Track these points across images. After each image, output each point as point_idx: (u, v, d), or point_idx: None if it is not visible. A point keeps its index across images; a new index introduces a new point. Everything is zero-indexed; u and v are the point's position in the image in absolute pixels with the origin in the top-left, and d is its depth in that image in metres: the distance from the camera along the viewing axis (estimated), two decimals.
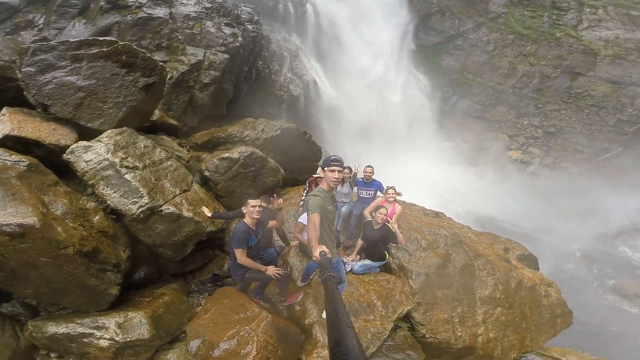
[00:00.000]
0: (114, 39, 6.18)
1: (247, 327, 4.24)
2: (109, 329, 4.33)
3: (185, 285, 6.05)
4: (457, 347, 5.73)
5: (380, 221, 5.53)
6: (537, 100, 23.93)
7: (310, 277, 5.48)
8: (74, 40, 5.90)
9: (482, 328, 6.01)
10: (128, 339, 4.32)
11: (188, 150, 8.49)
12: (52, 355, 4.53)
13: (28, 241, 3.89)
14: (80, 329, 4.31)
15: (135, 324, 4.46)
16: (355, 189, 6.86)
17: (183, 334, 4.88)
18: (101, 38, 6.08)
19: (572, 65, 23.26)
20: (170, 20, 11.07)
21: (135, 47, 6.13)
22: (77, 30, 10.30)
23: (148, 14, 10.65)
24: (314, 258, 2.82)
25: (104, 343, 4.27)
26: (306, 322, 5.06)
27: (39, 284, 4.17)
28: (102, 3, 10.67)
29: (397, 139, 19.80)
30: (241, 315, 4.46)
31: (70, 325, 4.33)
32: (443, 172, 19.83)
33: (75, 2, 10.73)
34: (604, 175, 21.97)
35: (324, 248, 2.80)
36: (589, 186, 21.32)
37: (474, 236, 7.58)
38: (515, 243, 8.39)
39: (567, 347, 7.10)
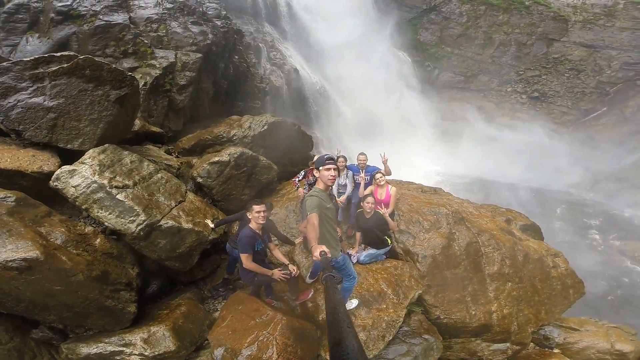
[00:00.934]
0: (72, 53, 5.89)
1: (264, 332, 4.30)
2: (136, 345, 4.48)
3: (199, 293, 6.06)
4: (473, 326, 5.79)
5: (369, 210, 5.47)
6: (517, 67, 24.38)
7: (319, 273, 5.44)
8: (28, 59, 5.57)
9: (496, 305, 6.06)
10: (156, 353, 4.46)
11: (177, 157, 8.25)
12: None
13: (36, 273, 4.01)
14: (110, 348, 4.46)
15: (159, 337, 4.59)
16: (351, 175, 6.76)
17: (206, 341, 4.98)
18: (58, 54, 5.78)
19: (545, 32, 23.73)
20: (132, 25, 10.63)
21: (97, 59, 5.81)
22: (33, 45, 9.80)
23: (106, 21, 10.19)
24: (314, 258, 2.88)
25: (135, 359, 4.41)
26: (320, 318, 5.06)
27: (60, 310, 4.31)
28: (52, 15, 10.12)
29: (386, 117, 19.67)
30: (257, 320, 4.50)
31: (100, 345, 4.47)
32: (433, 145, 19.88)
33: (21, 16, 10.14)
34: (592, 134, 22.49)
35: (324, 248, 2.85)
36: (580, 146, 21.80)
37: (475, 210, 7.59)
38: (516, 213, 8.46)
39: (582, 317, 7.25)
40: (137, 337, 4.50)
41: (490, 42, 24.37)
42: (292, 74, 14.89)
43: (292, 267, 4.77)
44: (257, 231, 4.54)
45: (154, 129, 9.03)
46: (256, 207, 4.48)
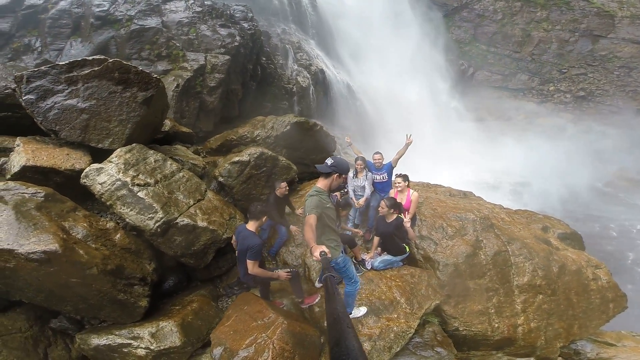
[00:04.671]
0: (102, 57, 6.20)
1: (263, 335, 4.25)
2: (143, 339, 4.59)
3: (214, 290, 6.14)
4: (495, 339, 5.43)
5: (383, 213, 5.27)
6: (560, 65, 22.90)
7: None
8: (64, 63, 5.93)
9: (522, 318, 5.65)
10: (162, 347, 4.53)
11: (204, 157, 8.48)
12: None
13: (55, 265, 4.21)
14: (119, 340, 4.59)
15: (166, 332, 4.67)
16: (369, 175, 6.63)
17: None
18: (90, 57, 6.08)
19: (589, 28, 22.22)
20: (164, 29, 11.13)
21: (125, 62, 6.11)
22: (76, 49, 10.52)
23: (140, 25, 10.74)
24: (314, 258, 2.88)
25: (141, 352, 4.51)
26: (325, 324, 4.91)
27: (76, 301, 4.51)
28: (92, 20, 10.81)
29: (416, 116, 19.02)
30: (259, 322, 4.46)
31: (110, 337, 4.62)
32: (467, 146, 19.00)
33: (64, 22, 10.90)
34: None
35: (324, 248, 2.84)
36: (629, 148, 19.96)
37: (507, 217, 7.10)
38: (555, 220, 7.82)
39: (622, 331, 6.60)
40: (145, 331, 4.61)
41: (529, 39, 23.07)
42: (318, 74, 14.87)
43: (285, 274, 4.80)
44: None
45: (184, 129, 9.35)
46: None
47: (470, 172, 16.85)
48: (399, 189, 5.89)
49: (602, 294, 6.48)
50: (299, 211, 6.56)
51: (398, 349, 4.64)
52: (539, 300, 5.85)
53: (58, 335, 4.91)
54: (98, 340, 4.55)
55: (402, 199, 5.86)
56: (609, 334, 6.52)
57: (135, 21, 10.83)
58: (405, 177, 5.98)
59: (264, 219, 4.76)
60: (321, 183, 3.68)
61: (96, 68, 5.99)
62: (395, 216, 5.25)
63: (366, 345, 4.55)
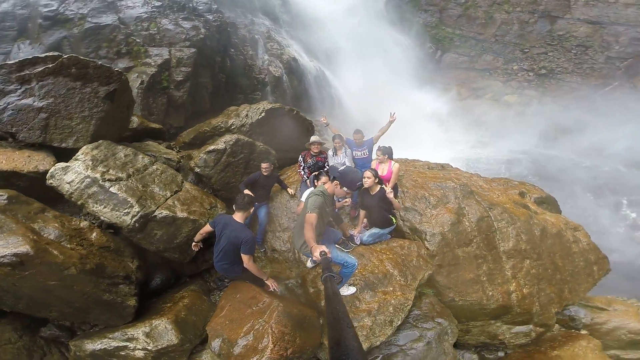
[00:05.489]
0: (57, 53, 5.88)
1: (260, 320, 4.12)
2: (139, 340, 4.44)
3: (204, 285, 5.98)
4: (492, 307, 5.46)
5: (367, 185, 5.20)
6: (522, 45, 23.83)
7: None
8: (13, 62, 5.59)
9: (514, 284, 5.71)
10: (160, 347, 4.41)
11: (178, 152, 8.17)
12: None
13: (29, 268, 3.99)
14: (114, 343, 4.44)
15: (161, 330, 4.52)
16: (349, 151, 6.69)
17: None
18: (42, 55, 5.77)
19: (547, 9, 23.09)
20: (122, 26, 10.70)
21: (82, 57, 5.80)
22: (25, 52, 9.96)
23: (95, 23, 10.30)
24: (314, 258, 3.09)
25: (139, 354, 4.38)
26: (323, 304, 4.83)
27: (60, 306, 4.32)
28: (40, 21, 10.21)
29: (390, 99, 19.23)
30: (254, 308, 4.33)
31: (104, 340, 4.46)
32: (442, 126, 19.43)
33: (8, 24, 10.29)
34: (605, 109, 21.75)
35: (324, 248, 3.03)
36: (593, 121, 21.10)
37: (485, 184, 7.25)
38: (530, 186, 8.04)
39: (609, 296, 6.81)
40: (139, 331, 4.45)
41: (492, 21, 23.81)
42: (291, 63, 14.66)
43: (273, 284, 4.76)
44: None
45: (153, 125, 8.94)
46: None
47: (445, 149, 17.25)
48: (380, 159, 5.88)
49: (585, 256, 6.65)
50: (290, 191, 6.69)
51: (399, 322, 4.57)
52: (526, 265, 5.94)
53: (52, 345, 4.72)
54: (92, 346, 4.38)
55: (383, 169, 5.87)
56: (598, 298, 6.71)
57: (89, 19, 10.29)
58: (385, 150, 5.98)
59: (251, 210, 4.69)
60: (327, 185, 3.97)
61: (50, 65, 5.69)
62: (378, 187, 5.22)
63: (367, 321, 4.46)
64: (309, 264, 5.30)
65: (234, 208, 4.60)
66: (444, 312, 5.13)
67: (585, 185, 17.93)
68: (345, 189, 4.25)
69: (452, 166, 8.49)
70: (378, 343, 4.40)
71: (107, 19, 10.48)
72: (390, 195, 5.08)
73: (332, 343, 1.27)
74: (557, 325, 6.23)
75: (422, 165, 8.17)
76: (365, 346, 4.27)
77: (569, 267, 6.44)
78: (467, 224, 5.99)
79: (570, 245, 6.64)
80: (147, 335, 4.42)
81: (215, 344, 4.11)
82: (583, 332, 6.16)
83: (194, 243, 4.97)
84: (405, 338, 4.69)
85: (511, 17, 23.48)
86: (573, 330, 6.21)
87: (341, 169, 6.24)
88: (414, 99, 20.40)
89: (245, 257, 4.35)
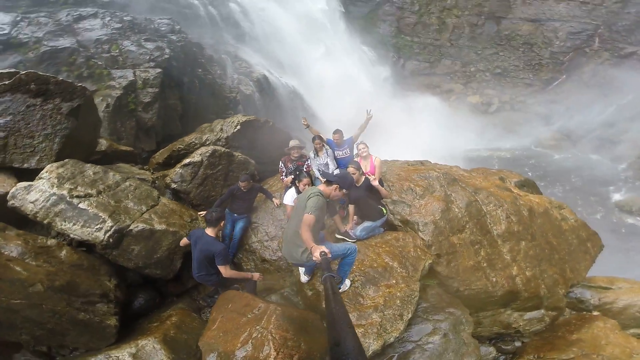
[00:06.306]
0: (14, 70, 5.68)
1: (257, 327, 3.74)
2: None
3: (193, 303, 5.58)
4: (499, 294, 5.32)
5: (357, 177, 5.12)
6: (475, 47, 25.27)
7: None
8: None
9: (515, 268, 5.60)
10: None
11: (152, 173, 7.77)
12: None
13: None
14: None
15: (149, 351, 4.09)
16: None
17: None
18: None
19: (491, 10, 24.63)
20: (81, 49, 10.44)
21: (42, 73, 5.56)
22: None
23: (52, 46, 10.02)
24: (314, 258, 3.05)
25: None
26: (324, 305, 4.55)
27: (30, 327, 3.97)
28: None
29: (362, 109, 19.63)
30: (249, 316, 3.95)
31: None
32: (414, 130, 19.98)
33: None
34: (558, 100, 23.22)
35: (324, 248, 2.99)
36: (549, 113, 22.44)
37: (466, 172, 7.34)
38: (507, 171, 8.20)
39: (600, 276, 6.74)
40: (124, 352, 4.00)
41: (445, 26, 25.15)
42: (261, 80, 14.68)
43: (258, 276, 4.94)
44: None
45: (124, 148, 8.52)
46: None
47: (419, 152, 17.67)
48: (363, 155, 5.82)
49: (576, 233, 6.70)
50: (276, 201, 6.46)
51: (410, 315, 4.31)
52: (523, 247, 5.88)
53: None
54: None
55: (365, 165, 5.80)
56: (600, 278, 6.65)
57: (45, 43, 9.94)
58: (367, 145, 5.96)
59: (221, 224, 4.75)
60: (323, 188, 3.91)
61: (6, 82, 5.37)
62: (363, 178, 5.12)
63: (375, 317, 4.17)
64: (304, 278, 4.95)
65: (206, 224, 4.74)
66: (453, 302, 4.89)
67: (556, 173, 18.86)
68: (344, 190, 4.09)
69: (430, 162, 8.58)
70: (392, 340, 4.08)
71: (65, 42, 10.18)
72: (375, 183, 4.98)
73: (332, 343, 1.28)
74: (567, 309, 6.14)
75: (402, 163, 8.19)
76: (378, 344, 3.96)
77: (564, 246, 6.43)
78: (456, 210, 5.95)
79: (559, 223, 6.68)
80: (134, 356, 3.97)
81: (210, 359, 3.70)
82: (595, 313, 6.05)
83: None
84: (418, 333, 4.38)
85: (461, 21, 24.88)
86: (585, 313, 6.10)
87: (336, 172, 6.10)
88: (383, 104, 20.95)
89: (222, 269, 4.44)
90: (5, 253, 4.01)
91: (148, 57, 10.81)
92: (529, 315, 5.68)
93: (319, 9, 20.65)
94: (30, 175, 5.14)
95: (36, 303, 3.82)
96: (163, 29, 12.13)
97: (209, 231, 4.57)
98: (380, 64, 23.63)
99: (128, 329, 4.59)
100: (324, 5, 21.27)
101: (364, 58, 22.82)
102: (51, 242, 4.46)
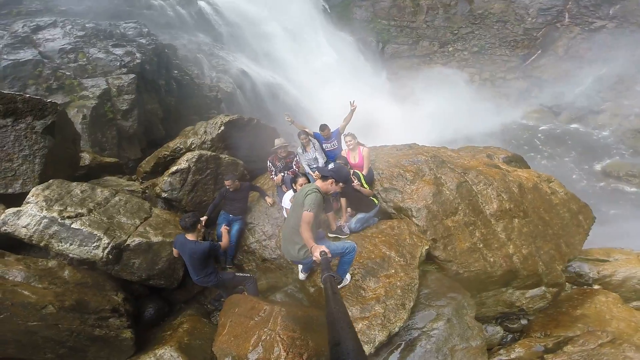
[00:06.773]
0: None
1: (265, 329, 3.85)
2: None
3: (201, 308, 5.64)
4: (498, 274, 5.38)
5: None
6: (451, 27, 25.38)
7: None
8: None
9: (512, 246, 5.66)
10: None
11: (141, 183, 7.64)
12: None
13: (2, 311, 3.75)
14: None
15: (167, 359, 4.19)
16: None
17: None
18: None
19: None
20: (46, 60, 9.97)
21: (6, 92, 5.30)
22: None
23: (12, 59, 9.52)
24: (314, 258, 3.06)
25: None
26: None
27: (52, 346, 4.02)
28: None
29: (347, 96, 19.53)
30: (256, 319, 4.04)
31: None
32: (401, 113, 20.05)
33: None
34: (536, 75, 23.59)
35: (324, 248, 3.00)
36: (529, 87, 22.81)
37: (454, 153, 7.42)
38: (495, 148, 8.32)
39: (596, 248, 6.74)
40: None
41: (419, 8, 25.19)
42: (240, 76, 14.43)
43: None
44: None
45: (108, 159, 8.33)
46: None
47: (407, 135, 17.77)
48: (350, 147, 5.84)
49: (567, 206, 6.74)
50: (269, 200, 6.42)
51: (411, 303, 4.39)
52: (517, 224, 5.91)
53: None
54: None
55: (354, 157, 5.82)
56: (596, 250, 6.65)
57: (5, 56, 9.47)
58: (354, 136, 5.96)
59: (199, 227, 4.74)
60: (320, 183, 3.91)
61: None
62: (352, 171, 5.17)
63: (378, 309, 4.25)
64: (302, 276, 5.00)
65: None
66: (453, 286, 4.96)
67: (542, 145, 19.29)
68: (341, 184, 4.10)
69: (418, 145, 8.64)
70: (396, 329, 4.17)
71: (26, 54, 9.72)
72: (358, 187, 5.05)
73: (332, 343, 1.28)
74: (567, 284, 6.19)
75: (390, 148, 8.23)
76: (384, 335, 4.05)
77: (556, 221, 6.49)
78: (447, 192, 6.01)
79: (550, 197, 6.74)
80: None
81: None
82: (596, 287, 6.06)
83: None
84: (422, 320, 4.46)
85: (435, 3, 24.99)
86: (586, 287, 6.13)
87: (331, 166, 6.09)
88: (369, 90, 20.92)
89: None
90: (10, 279, 4.03)
91: (119, 64, 10.45)
92: (530, 292, 5.76)
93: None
94: (17, 199, 5.01)
95: (52, 323, 3.88)
96: (130, 33, 11.73)
97: (189, 236, 4.54)
98: (360, 51, 23.47)
99: (144, 339, 4.67)
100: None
101: (345, 46, 22.59)
102: (52, 263, 4.45)
